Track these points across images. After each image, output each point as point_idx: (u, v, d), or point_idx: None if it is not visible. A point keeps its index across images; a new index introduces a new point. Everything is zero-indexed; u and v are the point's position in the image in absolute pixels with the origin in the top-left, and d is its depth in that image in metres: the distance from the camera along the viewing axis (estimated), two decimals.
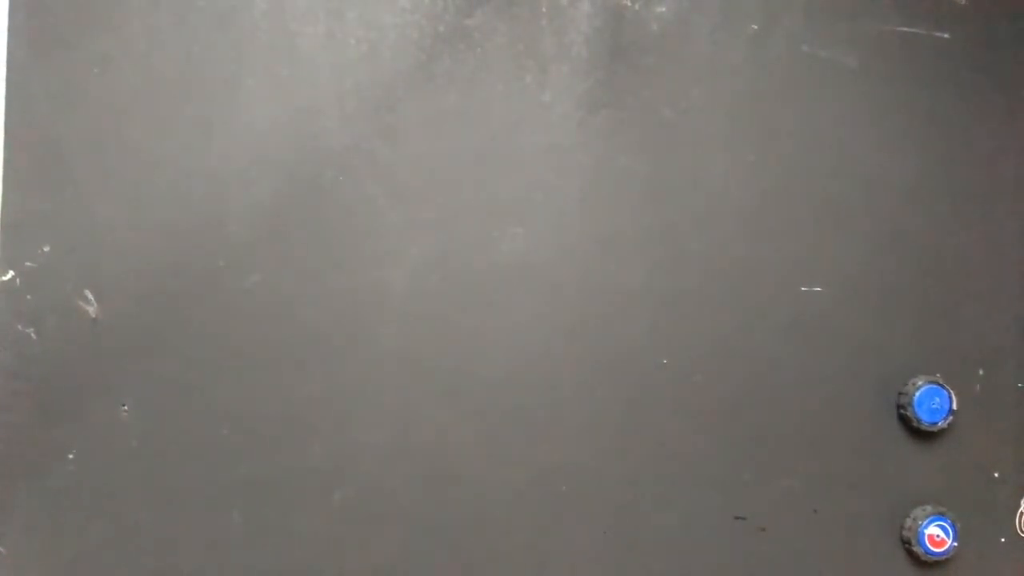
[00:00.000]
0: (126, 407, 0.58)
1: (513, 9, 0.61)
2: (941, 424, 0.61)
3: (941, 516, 0.61)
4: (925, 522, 0.60)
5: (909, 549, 0.61)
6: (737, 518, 0.61)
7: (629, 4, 0.62)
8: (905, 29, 0.63)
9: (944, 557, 0.61)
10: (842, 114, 0.63)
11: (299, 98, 0.59)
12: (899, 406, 0.61)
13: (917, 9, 0.63)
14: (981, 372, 0.63)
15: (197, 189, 0.59)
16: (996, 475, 0.63)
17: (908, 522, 0.61)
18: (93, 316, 0.58)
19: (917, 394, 0.60)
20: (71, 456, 0.57)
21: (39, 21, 0.58)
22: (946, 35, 0.64)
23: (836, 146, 0.63)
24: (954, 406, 0.61)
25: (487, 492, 0.58)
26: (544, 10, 0.61)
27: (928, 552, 0.60)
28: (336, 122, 0.60)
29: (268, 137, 0.59)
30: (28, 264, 0.58)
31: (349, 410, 0.59)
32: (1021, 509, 0.63)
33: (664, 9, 0.62)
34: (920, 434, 0.62)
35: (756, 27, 0.62)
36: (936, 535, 0.60)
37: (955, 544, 0.60)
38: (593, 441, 0.60)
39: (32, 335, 0.57)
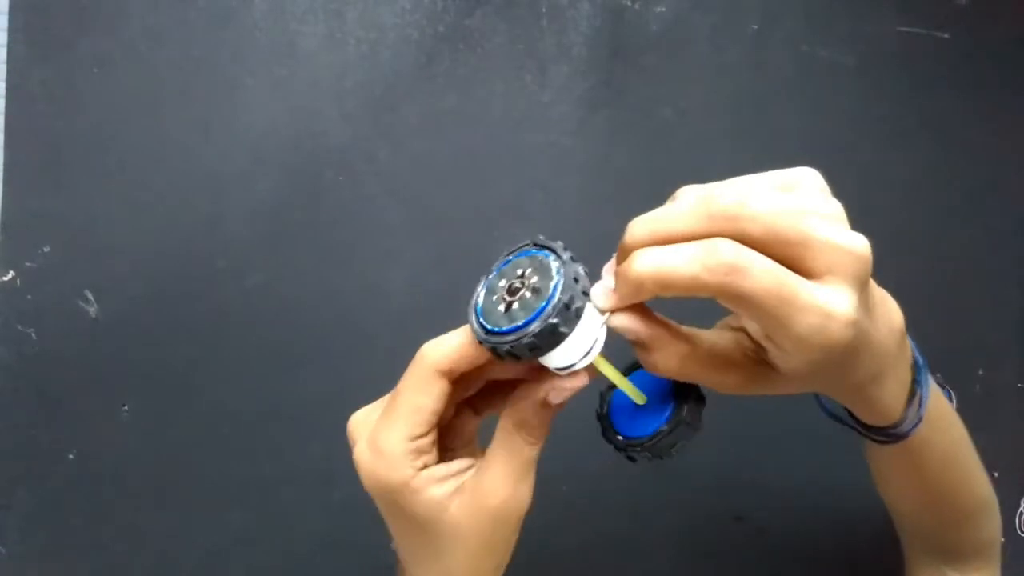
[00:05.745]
0: (126, 407, 0.58)
1: (513, 9, 0.61)
2: None
3: None
4: None
5: None
6: (737, 518, 0.61)
7: (629, 4, 0.62)
8: (905, 29, 0.63)
9: None
10: (842, 114, 0.63)
11: (299, 98, 0.59)
12: None
13: (917, 9, 0.63)
14: (981, 372, 0.63)
15: (197, 189, 0.59)
16: (996, 475, 0.63)
17: None
18: (93, 316, 0.58)
19: None
20: (71, 456, 0.57)
21: (39, 21, 0.58)
22: (946, 35, 0.64)
23: (836, 146, 0.63)
24: (954, 406, 0.61)
25: None
26: (544, 10, 0.61)
27: None
28: (336, 122, 0.60)
29: (268, 137, 0.59)
30: (28, 264, 0.58)
31: (349, 410, 0.59)
32: (1021, 509, 0.63)
33: (664, 9, 0.62)
34: None
35: (756, 27, 0.62)
36: None
37: None
38: (593, 441, 0.60)
39: (32, 335, 0.57)
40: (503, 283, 0.32)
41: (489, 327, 0.32)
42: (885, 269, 0.63)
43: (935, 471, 0.44)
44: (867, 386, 0.37)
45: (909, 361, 0.39)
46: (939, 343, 0.63)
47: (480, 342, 0.32)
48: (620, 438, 0.37)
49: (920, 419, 0.40)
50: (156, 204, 0.58)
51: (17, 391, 0.57)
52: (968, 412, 0.62)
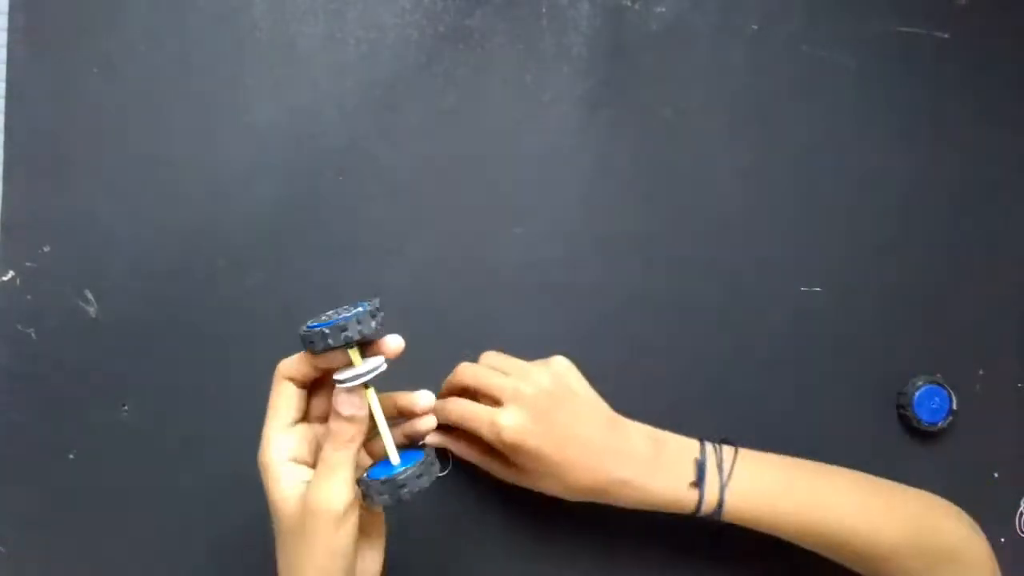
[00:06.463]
0: (126, 407, 0.58)
1: (513, 9, 0.61)
2: (941, 424, 0.61)
3: None
4: None
5: None
6: None
7: (629, 4, 0.62)
8: (905, 29, 0.63)
9: None
10: (842, 114, 0.63)
11: (299, 98, 0.59)
12: (899, 406, 0.61)
13: (917, 9, 0.63)
14: (981, 372, 0.63)
15: (197, 189, 0.59)
16: (996, 475, 0.63)
17: None
18: (93, 316, 0.58)
19: (917, 394, 0.60)
20: (71, 456, 0.57)
21: (39, 21, 0.58)
22: (946, 35, 0.64)
23: (836, 146, 0.63)
24: (954, 406, 0.61)
25: (488, 491, 0.58)
26: (544, 10, 0.61)
27: None
28: (336, 122, 0.60)
29: (268, 137, 0.59)
30: (28, 264, 0.58)
31: None
32: (1021, 509, 0.63)
33: (664, 9, 0.62)
34: (920, 434, 0.62)
35: (756, 27, 0.62)
36: None
37: None
38: None
39: (32, 335, 0.57)
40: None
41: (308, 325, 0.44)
42: (885, 269, 0.63)
43: (804, 532, 0.53)
44: (631, 482, 0.50)
45: (680, 455, 0.52)
46: (939, 343, 0.63)
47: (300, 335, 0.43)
48: (365, 476, 0.44)
49: (721, 498, 0.51)
50: (156, 204, 0.58)
51: (17, 391, 0.57)
52: (968, 412, 0.62)
